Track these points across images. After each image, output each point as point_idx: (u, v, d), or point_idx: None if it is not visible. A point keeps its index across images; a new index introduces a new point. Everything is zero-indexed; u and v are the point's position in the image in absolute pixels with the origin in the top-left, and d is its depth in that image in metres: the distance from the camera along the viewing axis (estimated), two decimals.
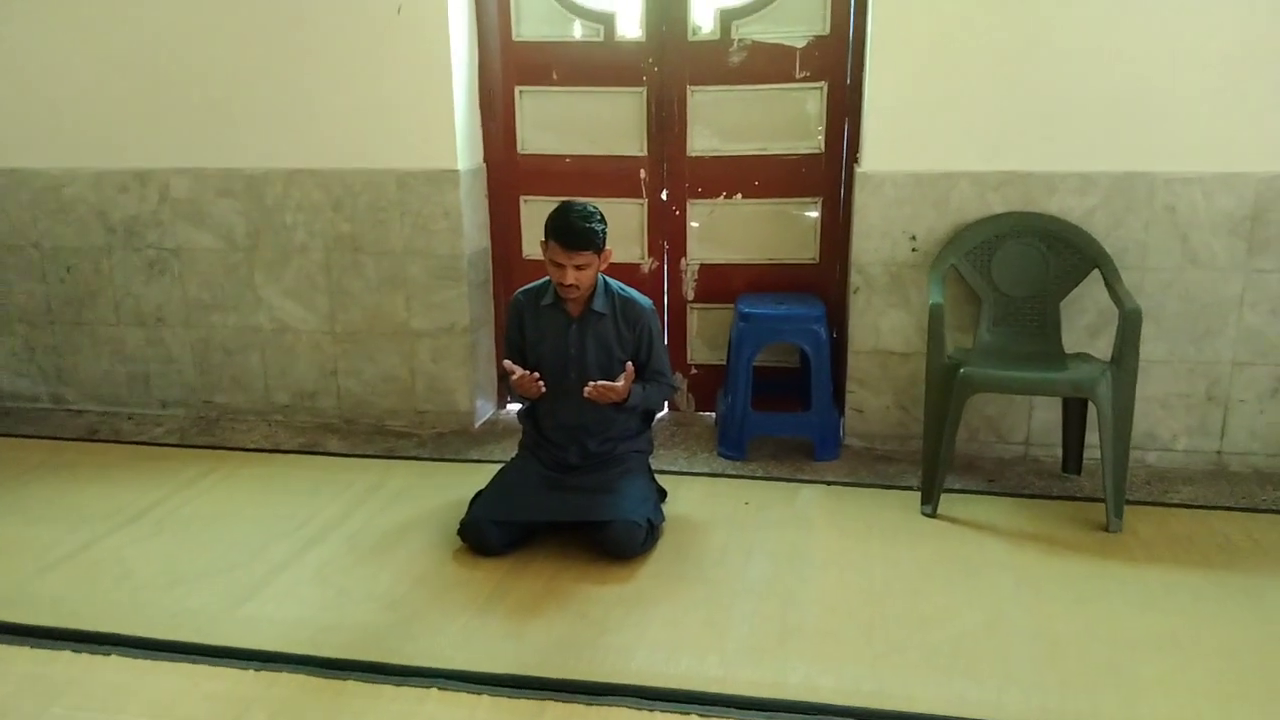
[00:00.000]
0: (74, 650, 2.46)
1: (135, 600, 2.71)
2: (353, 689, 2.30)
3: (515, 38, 3.83)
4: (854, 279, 3.56)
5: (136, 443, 3.91)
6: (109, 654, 2.44)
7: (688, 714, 2.20)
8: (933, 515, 3.12)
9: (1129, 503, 3.08)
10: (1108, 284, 3.22)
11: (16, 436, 3.98)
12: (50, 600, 2.71)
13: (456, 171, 3.70)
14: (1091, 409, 3.16)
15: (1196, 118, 3.23)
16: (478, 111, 3.85)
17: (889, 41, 3.36)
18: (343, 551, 2.96)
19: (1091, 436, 3.29)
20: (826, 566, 2.83)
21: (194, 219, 3.94)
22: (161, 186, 3.93)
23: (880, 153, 3.45)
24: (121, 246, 4.04)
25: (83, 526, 3.13)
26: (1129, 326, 3.01)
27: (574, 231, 2.82)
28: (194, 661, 2.41)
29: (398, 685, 2.31)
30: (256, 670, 2.37)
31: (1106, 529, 3.00)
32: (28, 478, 3.54)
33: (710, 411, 4.03)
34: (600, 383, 2.86)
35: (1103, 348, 3.32)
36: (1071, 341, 3.37)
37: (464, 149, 3.74)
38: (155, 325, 4.10)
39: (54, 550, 2.98)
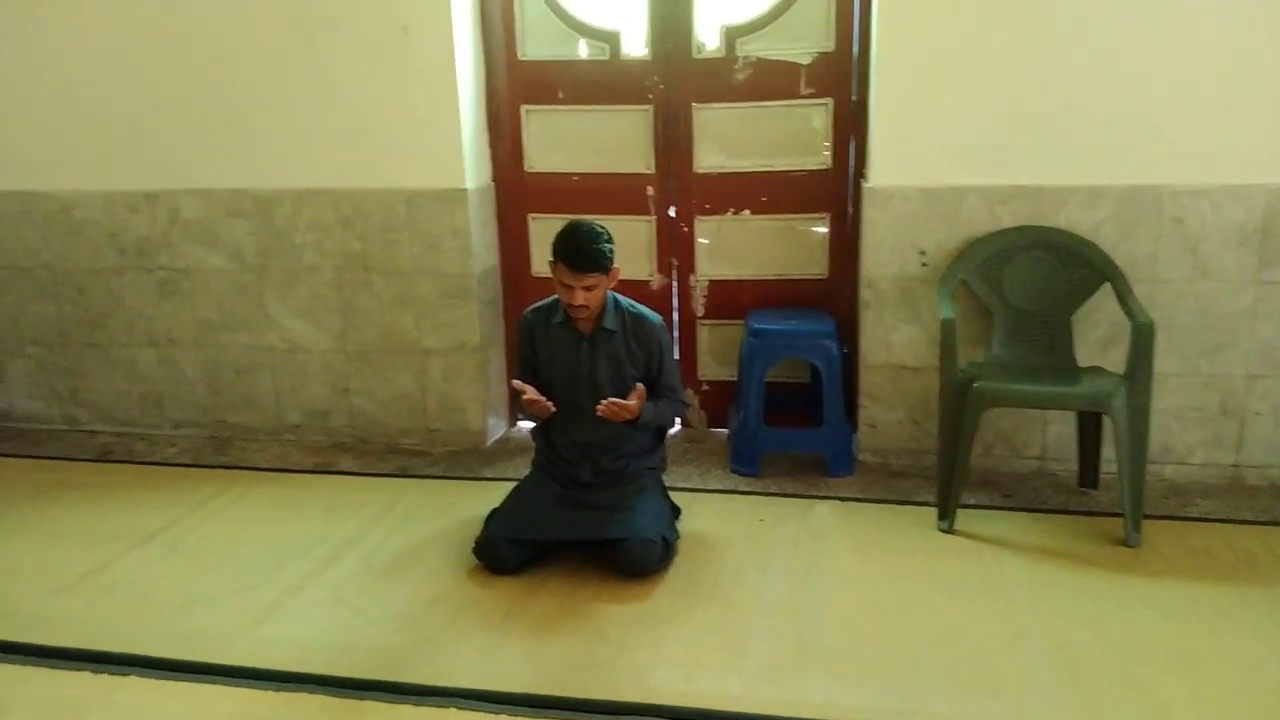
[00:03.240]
0: (92, 671, 2.46)
1: (150, 621, 2.71)
2: (370, 709, 2.30)
3: (521, 57, 3.84)
4: (864, 294, 3.56)
5: (149, 463, 3.91)
6: (126, 675, 2.44)
7: None
8: (949, 531, 3.11)
9: (1147, 517, 3.07)
10: (1119, 297, 3.22)
11: (30, 458, 3.99)
12: (66, 622, 2.70)
13: (465, 190, 3.72)
14: (1107, 423, 3.16)
15: (1204, 130, 3.24)
16: (485, 131, 3.86)
17: (894, 57, 3.37)
18: (358, 571, 2.95)
19: (1107, 450, 3.28)
20: (843, 584, 2.82)
21: (204, 239, 3.96)
22: (171, 207, 3.95)
23: (887, 168, 3.46)
24: (132, 267, 4.05)
25: (97, 548, 3.13)
26: (1141, 340, 3.01)
27: (582, 254, 2.82)
28: (210, 682, 2.41)
29: (416, 705, 2.30)
30: (274, 691, 2.36)
31: (1125, 543, 2.99)
32: (41, 499, 3.55)
33: (722, 428, 4.03)
34: (612, 400, 2.85)
35: (1116, 361, 3.32)
36: (1084, 355, 3.36)
37: (472, 168, 3.75)
38: (167, 345, 4.11)
39: (69, 571, 2.98)
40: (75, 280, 4.12)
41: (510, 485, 3.14)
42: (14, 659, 2.52)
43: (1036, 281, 3.35)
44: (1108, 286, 3.27)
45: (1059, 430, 3.50)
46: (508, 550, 2.87)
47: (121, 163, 3.96)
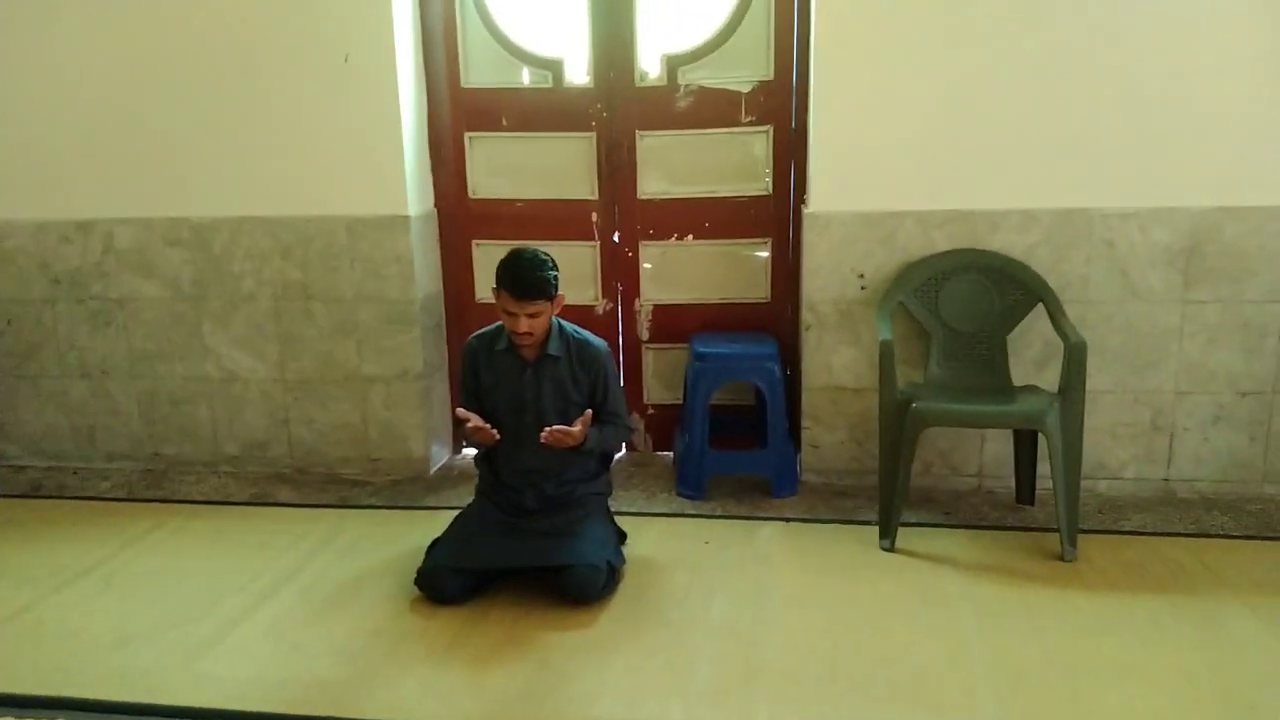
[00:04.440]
0: (17, 715, 2.37)
1: (82, 661, 2.62)
2: None
3: (464, 84, 3.85)
4: (805, 317, 3.61)
5: (82, 498, 3.81)
6: (55, 718, 2.36)
7: None
8: (891, 549, 3.14)
9: (1082, 531, 3.13)
10: (1052, 318, 3.30)
11: None
12: None
13: (407, 217, 3.70)
14: (1042, 440, 3.22)
15: (1131, 154, 3.33)
16: (428, 157, 3.85)
17: (831, 85, 3.43)
18: (297, 605, 2.90)
19: (1043, 467, 3.34)
20: (788, 605, 2.83)
21: (140, 269, 3.89)
22: (105, 236, 3.88)
23: (826, 193, 3.51)
24: (65, 298, 3.96)
25: (26, 586, 3.04)
26: (1074, 358, 3.08)
27: (525, 282, 2.82)
28: None
29: None
30: None
31: (1061, 558, 3.04)
32: None
33: (668, 451, 4.04)
34: (556, 428, 2.84)
35: (1050, 379, 3.39)
36: (1019, 374, 3.43)
37: (414, 195, 3.74)
38: (100, 377, 4.02)
39: None
40: (4, 311, 4.01)
41: (453, 514, 3.10)
42: None
43: (972, 303, 3.41)
44: (1041, 307, 3.35)
45: (996, 448, 3.56)
46: (450, 580, 2.84)
47: (53, 192, 3.88)
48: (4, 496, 3.84)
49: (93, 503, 3.76)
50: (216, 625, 2.78)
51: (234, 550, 3.27)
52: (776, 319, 3.88)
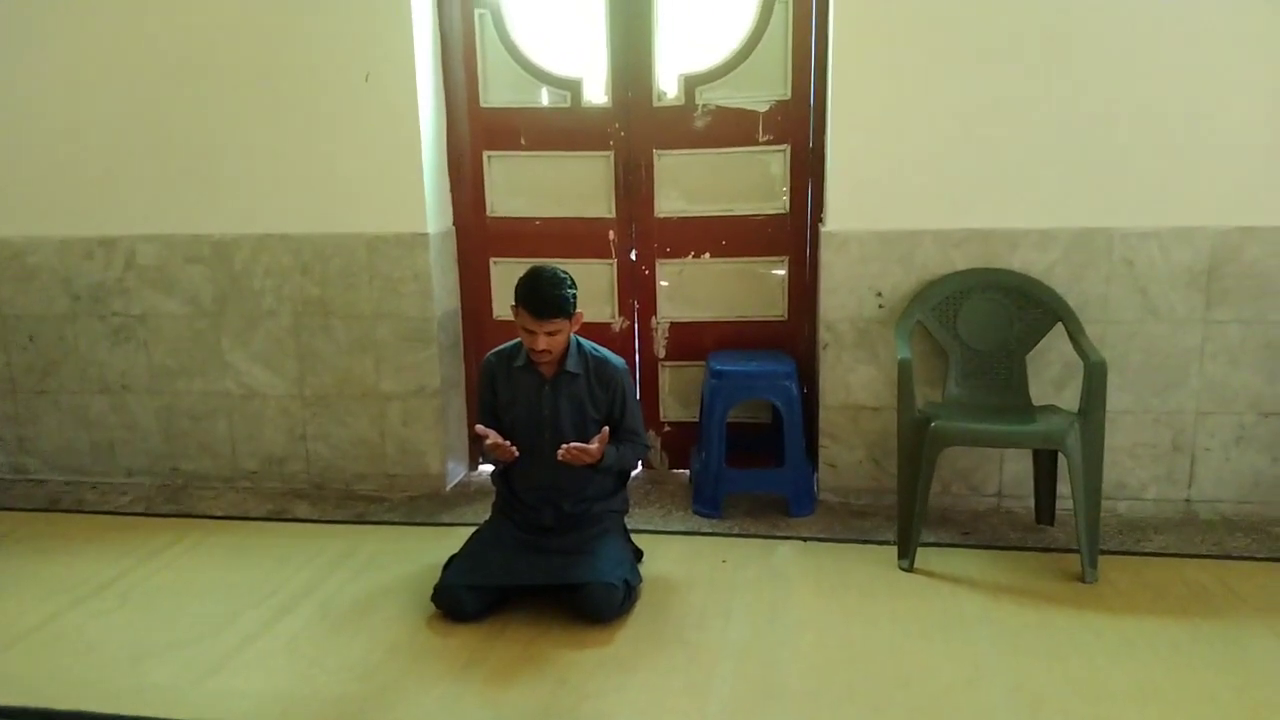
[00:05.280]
0: None
1: (100, 675, 2.63)
2: None
3: (483, 104, 3.88)
4: (823, 335, 3.60)
5: (101, 512, 3.83)
6: None
7: None
8: (909, 570, 3.12)
9: (1103, 553, 3.10)
10: (1071, 337, 3.28)
11: None
12: (10, 678, 2.62)
13: (426, 235, 3.72)
14: (1062, 460, 3.20)
15: (1150, 174, 3.33)
16: (446, 176, 3.88)
17: (849, 104, 3.44)
18: (314, 621, 2.90)
19: (1063, 487, 3.31)
20: (806, 625, 2.82)
21: (160, 285, 3.92)
22: (127, 253, 3.91)
23: (844, 212, 3.51)
24: (86, 314, 4.00)
25: (45, 600, 3.05)
26: (1094, 378, 3.06)
27: (544, 300, 2.83)
28: None
29: None
30: None
31: (1082, 579, 3.02)
32: None
33: (684, 469, 4.03)
34: (574, 445, 2.84)
35: (1069, 399, 3.37)
36: (1039, 394, 3.41)
37: (433, 213, 3.76)
38: (120, 392, 4.04)
39: (14, 626, 2.90)
40: (26, 327, 4.05)
41: (470, 530, 3.10)
42: None
43: (990, 322, 3.40)
44: (1060, 326, 3.33)
45: (1015, 468, 3.54)
46: (467, 597, 2.84)
47: (77, 209, 3.92)
48: (23, 510, 3.86)
49: (111, 517, 3.78)
50: (233, 641, 2.78)
51: (251, 566, 3.28)
52: (793, 337, 3.88)
